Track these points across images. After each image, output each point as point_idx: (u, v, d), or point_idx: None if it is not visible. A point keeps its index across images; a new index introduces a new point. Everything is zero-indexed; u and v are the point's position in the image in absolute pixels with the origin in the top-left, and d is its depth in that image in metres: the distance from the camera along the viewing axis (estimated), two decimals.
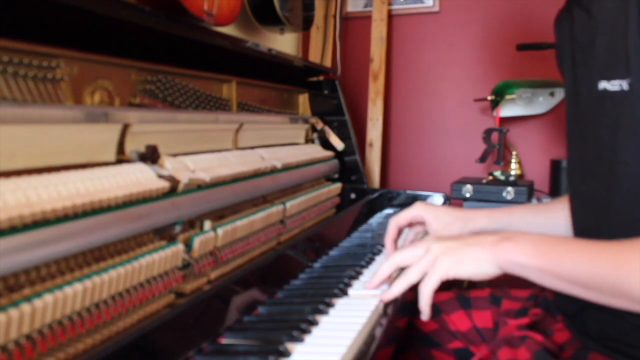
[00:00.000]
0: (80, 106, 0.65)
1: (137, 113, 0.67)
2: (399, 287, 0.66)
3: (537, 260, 0.59)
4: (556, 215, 0.83)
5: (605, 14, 0.66)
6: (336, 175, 1.32)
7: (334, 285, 0.73)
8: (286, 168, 0.99)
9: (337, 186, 1.24)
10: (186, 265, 0.64)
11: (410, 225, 0.87)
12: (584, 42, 0.70)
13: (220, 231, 0.70)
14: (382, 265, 0.70)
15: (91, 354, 0.46)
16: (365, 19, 1.93)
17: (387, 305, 0.67)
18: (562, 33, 0.78)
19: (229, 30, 1.22)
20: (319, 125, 1.31)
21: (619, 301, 0.55)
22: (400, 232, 0.85)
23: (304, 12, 1.56)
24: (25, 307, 0.41)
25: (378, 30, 1.87)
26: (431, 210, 0.83)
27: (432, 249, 0.66)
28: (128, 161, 0.64)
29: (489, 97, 1.67)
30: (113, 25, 0.68)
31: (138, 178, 0.59)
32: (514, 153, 1.67)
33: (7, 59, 0.55)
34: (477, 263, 0.63)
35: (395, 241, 0.84)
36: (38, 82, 0.59)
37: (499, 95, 1.64)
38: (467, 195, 1.50)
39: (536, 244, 0.61)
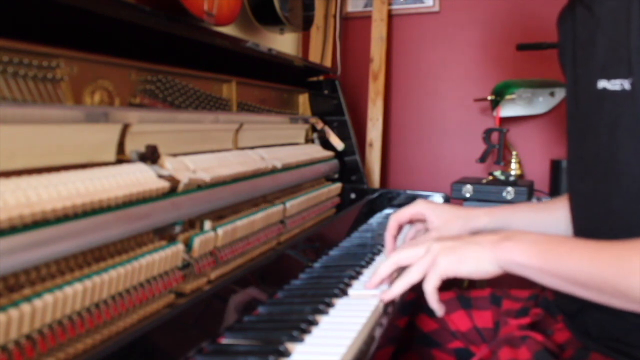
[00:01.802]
0: (80, 106, 0.65)
1: (137, 113, 0.67)
2: (399, 287, 0.66)
3: (537, 260, 0.59)
4: (557, 213, 0.83)
5: (606, 12, 0.65)
6: (336, 175, 1.32)
7: (334, 285, 0.73)
8: (286, 168, 0.99)
9: (337, 186, 1.24)
10: (186, 265, 0.64)
11: (411, 222, 0.87)
12: (585, 40, 0.70)
13: (220, 231, 0.70)
14: (381, 264, 0.70)
15: (91, 354, 0.46)
16: (365, 19, 1.93)
17: (387, 305, 0.67)
18: (564, 31, 0.78)
19: (229, 30, 1.22)
20: (319, 125, 1.31)
21: (619, 301, 0.56)
22: (400, 228, 0.85)
23: (304, 12, 1.56)
24: (25, 307, 0.41)
25: (378, 30, 1.87)
26: (432, 207, 0.83)
27: (432, 248, 0.66)
28: (128, 161, 0.64)
29: (489, 97, 1.67)
30: (113, 25, 0.68)
31: (138, 178, 0.59)
32: (514, 153, 1.67)
33: (7, 59, 0.55)
34: (477, 262, 0.63)
35: (395, 237, 0.84)
36: (38, 82, 0.59)
37: (499, 95, 1.64)
38: (467, 195, 1.50)
39: (537, 244, 0.61)
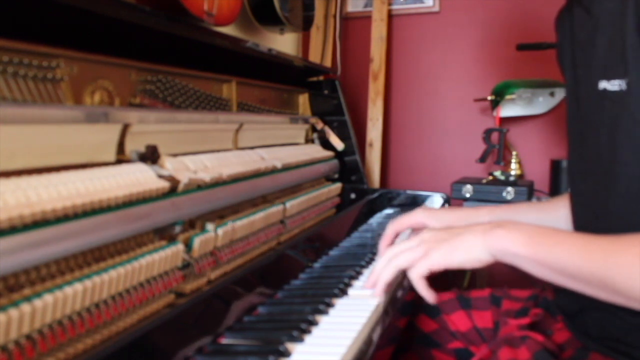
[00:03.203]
0: (80, 106, 0.65)
1: (137, 113, 0.67)
2: (387, 274, 0.66)
3: (527, 249, 0.60)
4: (558, 213, 0.83)
5: (605, 13, 0.66)
6: (336, 175, 1.32)
7: (334, 285, 0.73)
8: (286, 168, 0.99)
9: (337, 186, 1.24)
10: (186, 265, 0.64)
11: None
12: (584, 41, 0.70)
13: (220, 231, 0.70)
14: (377, 262, 0.70)
15: (91, 354, 0.46)
16: (365, 19, 1.93)
17: (387, 305, 0.67)
18: (562, 32, 0.78)
19: (229, 30, 1.22)
20: (319, 125, 1.31)
21: (607, 294, 0.56)
22: (396, 237, 0.84)
23: (304, 12, 1.56)
24: (25, 307, 0.41)
25: (378, 30, 1.87)
26: (431, 214, 0.82)
27: (424, 238, 0.66)
28: (128, 161, 0.64)
29: (489, 97, 1.67)
30: (113, 25, 0.68)
31: (138, 178, 0.59)
32: (514, 153, 1.67)
33: (7, 59, 0.55)
34: (468, 250, 0.63)
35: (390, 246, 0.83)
36: (38, 82, 0.59)
37: (499, 95, 1.64)
38: (467, 195, 1.50)
39: (528, 234, 0.61)
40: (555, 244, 0.59)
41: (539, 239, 0.60)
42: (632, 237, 0.55)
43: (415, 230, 0.85)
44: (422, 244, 0.66)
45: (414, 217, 0.82)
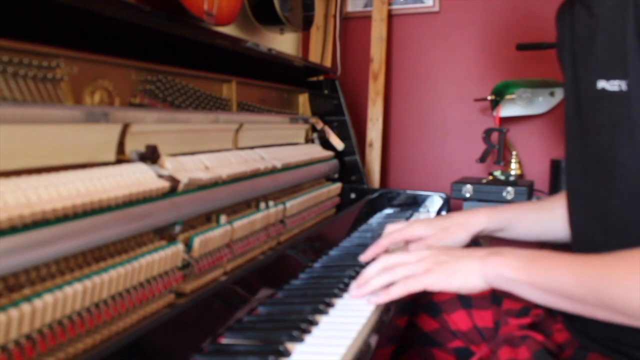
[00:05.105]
0: (80, 106, 0.65)
1: (137, 113, 0.67)
2: (378, 282, 0.66)
3: (524, 274, 0.60)
4: (556, 212, 0.83)
5: (605, 12, 0.65)
6: (336, 175, 1.32)
7: (334, 285, 0.73)
8: (286, 168, 0.99)
9: (337, 186, 1.24)
10: (186, 265, 0.64)
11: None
12: (584, 39, 0.70)
13: (219, 231, 0.70)
14: (369, 267, 0.69)
15: (91, 354, 0.46)
16: (365, 19, 1.93)
17: (387, 304, 0.67)
18: (563, 27, 0.78)
19: (229, 30, 1.22)
20: (319, 125, 1.31)
21: (603, 312, 0.56)
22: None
23: (304, 12, 1.56)
24: (25, 307, 0.41)
25: (378, 30, 1.87)
26: (429, 224, 0.81)
27: (423, 258, 0.66)
28: (128, 161, 0.64)
29: (489, 97, 1.67)
30: (113, 25, 0.68)
31: (138, 178, 0.59)
32: (514, 153, 1.67)
33: (7, 59, 0.55)
34: (466, 277, 0.63)
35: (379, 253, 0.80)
36: (38, 82, 0.59)
37: (499, 95, 1.64)
38: (467, 195, 1.50)
39: (523, 259, 0.61)
40: (549, 267, 0.59)
41: (534, 263, 0.60)
42: (624, 254, 0.55)
43: (408, 242, 0.83)
44: (420, 262, 0.65)
45: (412, 230, 0.81)
